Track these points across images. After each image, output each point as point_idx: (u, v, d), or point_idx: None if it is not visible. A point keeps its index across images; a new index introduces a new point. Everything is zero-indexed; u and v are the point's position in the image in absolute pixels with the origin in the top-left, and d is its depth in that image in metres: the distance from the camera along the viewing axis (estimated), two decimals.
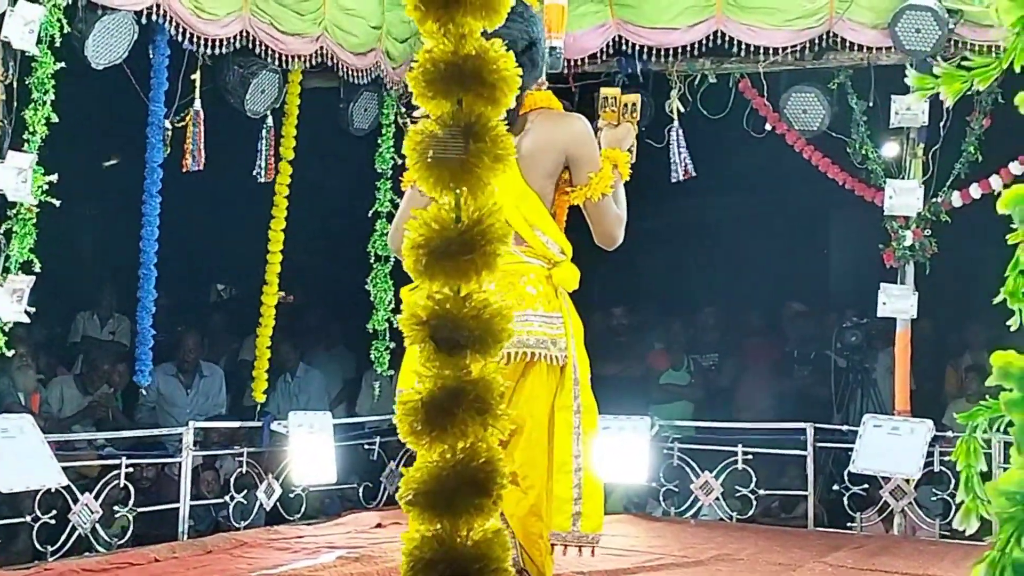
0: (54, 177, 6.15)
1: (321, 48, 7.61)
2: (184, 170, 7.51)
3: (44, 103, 6.15)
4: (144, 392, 8.39)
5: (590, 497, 4.17)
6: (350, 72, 7.89)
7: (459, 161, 1.98)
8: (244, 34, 7.15)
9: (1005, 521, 1.83)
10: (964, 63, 1.99)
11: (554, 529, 4.13)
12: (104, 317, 9.95)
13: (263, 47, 7.31)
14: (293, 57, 7.53)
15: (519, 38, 4.15)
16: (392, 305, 8.52)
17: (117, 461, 6.89)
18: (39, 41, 6.09)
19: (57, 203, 6.13)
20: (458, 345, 2.01)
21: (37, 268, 6.16)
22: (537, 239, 4.17)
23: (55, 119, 6.19)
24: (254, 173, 8.06)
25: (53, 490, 6.30)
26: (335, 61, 7.76)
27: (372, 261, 8.61)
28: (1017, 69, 1.87)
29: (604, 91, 4.52)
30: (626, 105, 4.50)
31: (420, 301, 2.03)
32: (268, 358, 8.35)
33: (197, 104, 7.47)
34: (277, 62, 7.51)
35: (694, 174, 8.20)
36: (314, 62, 7.68)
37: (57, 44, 6.20)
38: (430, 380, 2.03)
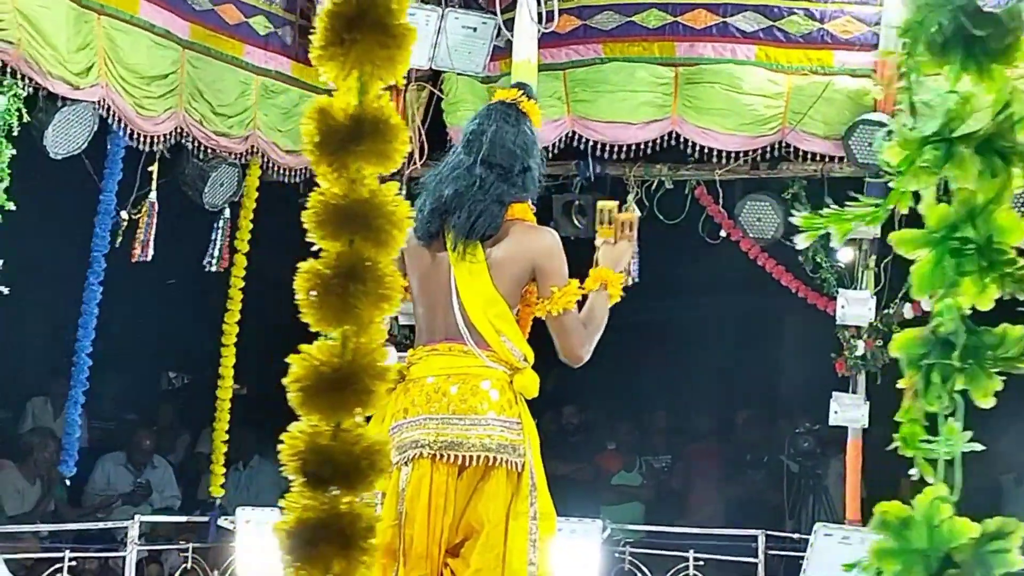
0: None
1: (252, 147, 7.61)
2: (133, 260, 7.50)
3: None
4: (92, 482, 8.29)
5: None
6: (286, 172, 7.93)
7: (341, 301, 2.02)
8: (179, 130, 7.11)
9: None
10: (852, 204, 2.04)
11: None
12: (58, 406, 9.83)
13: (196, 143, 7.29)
14: (231, 153, 7.54)
15: (519, 156, 4.28)
16: None
17: (60, 554, 6.80)
18: None
19: (6, 290, 6.08)
20: (322, 479, 2.02)
21: None
22: (502, 345, 4.21)
23: (11, 207, 6.16)
24: (204, 263, 8.00)
25: None
26: (266, 160, 7.79)
27: None
28: (904, 210, 1.92)
29: (601, 204, 4.55)
30: (623, 223, 4.51)
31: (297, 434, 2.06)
32: (224, 451, 8.26)
33: (153, 196, 7.48)
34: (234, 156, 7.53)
35: (636, 280, 8.21)
36: (246, 160, 7.73)
37: (15, 133, 6.20)
38: (293, 511, 2.04)
